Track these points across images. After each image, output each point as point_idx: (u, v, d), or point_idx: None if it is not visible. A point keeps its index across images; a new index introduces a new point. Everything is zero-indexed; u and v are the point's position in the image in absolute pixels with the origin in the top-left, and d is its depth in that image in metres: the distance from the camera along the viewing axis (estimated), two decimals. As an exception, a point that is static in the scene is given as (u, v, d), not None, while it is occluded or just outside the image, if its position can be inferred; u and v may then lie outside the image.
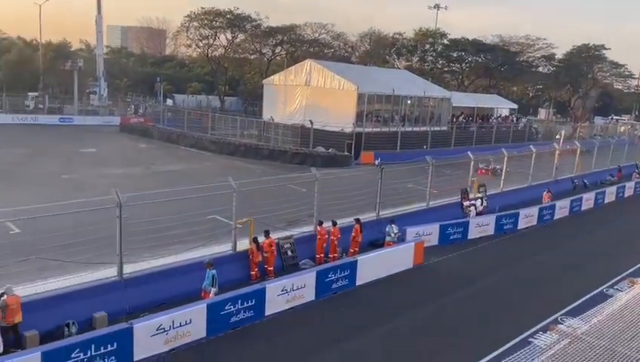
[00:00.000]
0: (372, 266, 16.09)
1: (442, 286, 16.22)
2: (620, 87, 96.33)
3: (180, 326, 11.30)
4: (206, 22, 71.47)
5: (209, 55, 75.46)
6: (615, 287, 16.26)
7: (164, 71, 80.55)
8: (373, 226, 19.32)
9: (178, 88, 76.71)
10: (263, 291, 13.04)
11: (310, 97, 43.07)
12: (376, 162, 22.48)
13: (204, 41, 73.32)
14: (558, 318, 13.70)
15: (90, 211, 13.17)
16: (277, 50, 77.79)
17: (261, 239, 15.63)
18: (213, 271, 13.23)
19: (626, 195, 32.78)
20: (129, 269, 13.21)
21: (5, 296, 10.74)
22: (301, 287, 13.96)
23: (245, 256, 15.50)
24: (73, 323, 11.56)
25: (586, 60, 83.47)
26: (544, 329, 12.77)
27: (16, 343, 10.84)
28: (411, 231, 19.09)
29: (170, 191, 16.80)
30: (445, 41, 79.67)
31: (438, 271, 17.65)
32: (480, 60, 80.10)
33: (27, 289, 11.97)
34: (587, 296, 15.53)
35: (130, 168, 32.31)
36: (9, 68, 65.54)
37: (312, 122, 38.57)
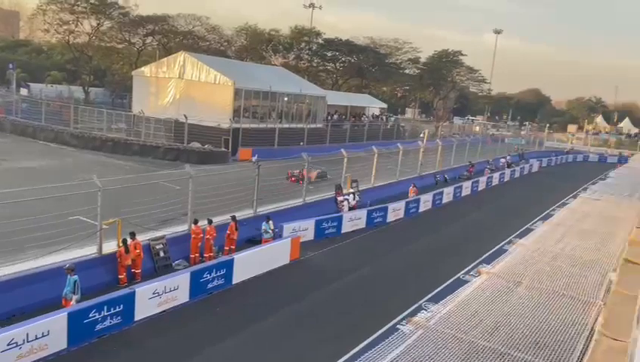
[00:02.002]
0: (249, 264, 15.98)
1: (316, 281, 16.60)
2: (475, 90, 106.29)
3: (36, 338, 10.26)
4: (66, 5, 65.56)
5: (70, 42, 69.34)
6: (470, 274, 17.90)
7: (18, 57, 72.57)
8: (250, 223, 19.20)
9: (34, 77, 69.48)
10: (131, 295, 12.31)
11: (184, 91, 41.63)
12: (254, 158, 22.36)
13: (64, 27, 67.13)
14: (422, 305, 14.78)
15: None
16: (148, 41, 73.81)
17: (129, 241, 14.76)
18: (75, 277, 12.20)
19: (479, 189, 36.28)
20: (-27, 279, 11.71)
21: None
22: (174, 289, 13.43)
23: (113, 259, 14.53)
24: None
25: (446, 65, 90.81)
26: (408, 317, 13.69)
27: None
28: (288, 227, 19.28)
29: (27, 190, 15.21)
30: (320, 41, 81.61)
31: (313, 266, 18.06)
32: (353, 61, 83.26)
33: None
34: (448, 283, 16.95)
35: (-25, 165, 28.65)
36: None
37: (186, 116, 37.27)
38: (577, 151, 67.17)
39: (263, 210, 20.52)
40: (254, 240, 18.63)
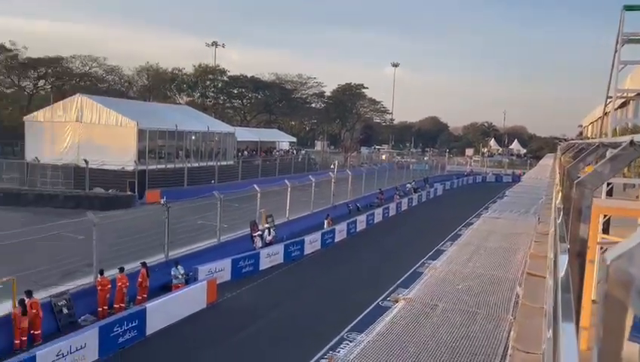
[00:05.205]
0: (163, 312, 15.17)
1: (236, 323, 16.09)
2: (379, 121, 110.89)
3: None
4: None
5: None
6: (388, 299, 18.21)
7: None
8: (163, 269, 18.35)
9: None
10: (31, 360, 11.17)
11: (84, 135, 39.48)
12: (162, 200, 21.54)
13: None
14: (344, 335, 14.77)
15: None
16: (40, 84, 69.71)
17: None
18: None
19: (390, 214, 37.47)
20: None
21: None
22: (81, 348, 12.37)
23: (7, 322, 13.16)
24: None
25: (349, 98, 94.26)
26: (334, 348, 13.62)
27: None
28: (203, 270, 18.63)
29: None
30: (225, 78, 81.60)
31: (232, 308, 17.51)
32: (259, 97, 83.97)
33: None
34: (367, 310, 17.10)
35: None
36: None
37: (86, 161, 35.35)
38: (476, 173, 71.76)
39: (176, 253, 19.72)
40: (168, 286, 17.78)
